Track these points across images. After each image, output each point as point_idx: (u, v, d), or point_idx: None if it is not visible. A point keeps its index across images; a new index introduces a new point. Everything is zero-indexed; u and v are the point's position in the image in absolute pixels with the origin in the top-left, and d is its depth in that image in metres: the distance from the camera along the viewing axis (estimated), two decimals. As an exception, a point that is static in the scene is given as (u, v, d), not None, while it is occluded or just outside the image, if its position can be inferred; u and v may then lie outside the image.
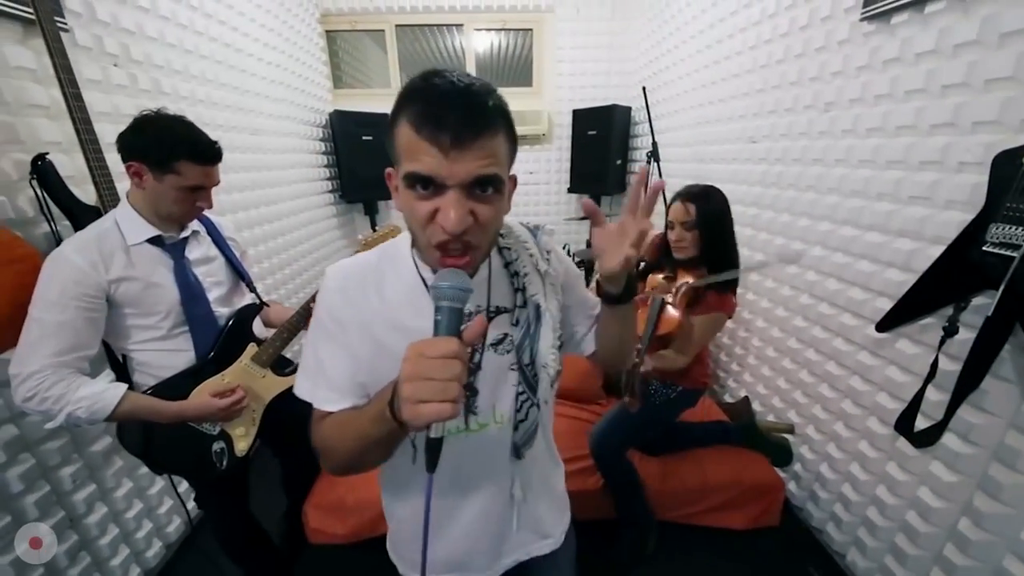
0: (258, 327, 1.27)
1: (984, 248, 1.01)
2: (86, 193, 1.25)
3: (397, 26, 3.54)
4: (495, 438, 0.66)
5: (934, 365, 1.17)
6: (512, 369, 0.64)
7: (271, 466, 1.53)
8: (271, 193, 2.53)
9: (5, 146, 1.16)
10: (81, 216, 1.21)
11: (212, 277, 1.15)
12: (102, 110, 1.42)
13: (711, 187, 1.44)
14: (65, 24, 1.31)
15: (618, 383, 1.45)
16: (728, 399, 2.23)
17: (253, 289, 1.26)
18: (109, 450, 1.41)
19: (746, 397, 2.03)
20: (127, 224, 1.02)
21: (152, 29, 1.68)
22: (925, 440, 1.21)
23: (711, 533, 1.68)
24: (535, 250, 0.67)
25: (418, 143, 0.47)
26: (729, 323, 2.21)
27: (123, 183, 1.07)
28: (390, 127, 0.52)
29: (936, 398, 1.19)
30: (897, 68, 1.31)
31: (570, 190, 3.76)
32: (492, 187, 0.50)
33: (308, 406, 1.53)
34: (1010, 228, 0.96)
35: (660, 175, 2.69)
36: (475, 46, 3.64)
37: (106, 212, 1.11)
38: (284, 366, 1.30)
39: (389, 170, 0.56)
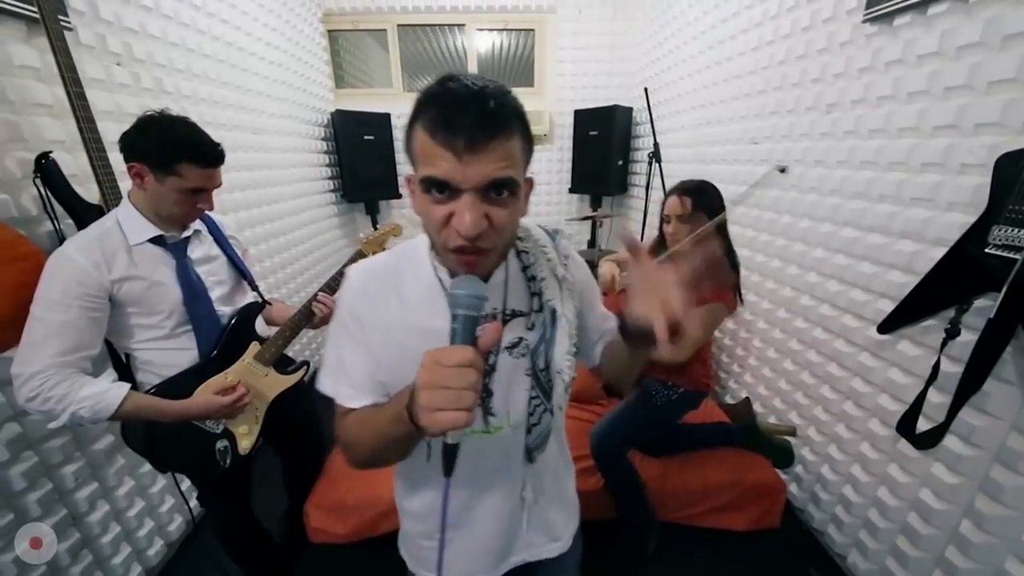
0: (260, 325, 1.27)
1: (986, 250, 1.01)
2: (89, 192, 1.25)
3: (399, 26, 3.55)
4: (508, 441, 0.67)
5: (936, 367, 1.17)
6: (527, 374, 0.64)
7: (272, 465, 1.53)
8: (273, 192, 2.54)
9: (9, 144, 1.16)
10: (84, 215, 1.22)
11: (214, 276, 1.15)
12: (105, 109, 1.42)
13: (705, 182, 1.48)
14: (69, 23, 1.31)
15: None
16: (729, 400, 2.23)
17: (255, 288, 1.26)
18: (111, 448, 1.41)
19: (747, 398, 2.04)
20: (129, 224, 1.02)
21: (155, 28, 1.68)
22: (927, 442, 1.21)
23: (712, 534, 1.68)
24: (553, 254, 0.67)
25: (433, 148, 0.48)
26: (730, 324, 2.22)
27: (126, 182, 1.07)
28: (407, 132, 0.53)
29: (938, 400, 1.19)
30: (899, 70, 1.31)
31: (571, 190, 3.76)
32: (507, 190, 0.50)
33: (310, 406, 1.53)
34: (1013, 230, 0.96)
35: (662, 176, 2.69)
36: (477, 46, 3.64)
37: (109, 211, 1.12)
38: (286, 364, 1.30)
39: (408, 174, 0.56)
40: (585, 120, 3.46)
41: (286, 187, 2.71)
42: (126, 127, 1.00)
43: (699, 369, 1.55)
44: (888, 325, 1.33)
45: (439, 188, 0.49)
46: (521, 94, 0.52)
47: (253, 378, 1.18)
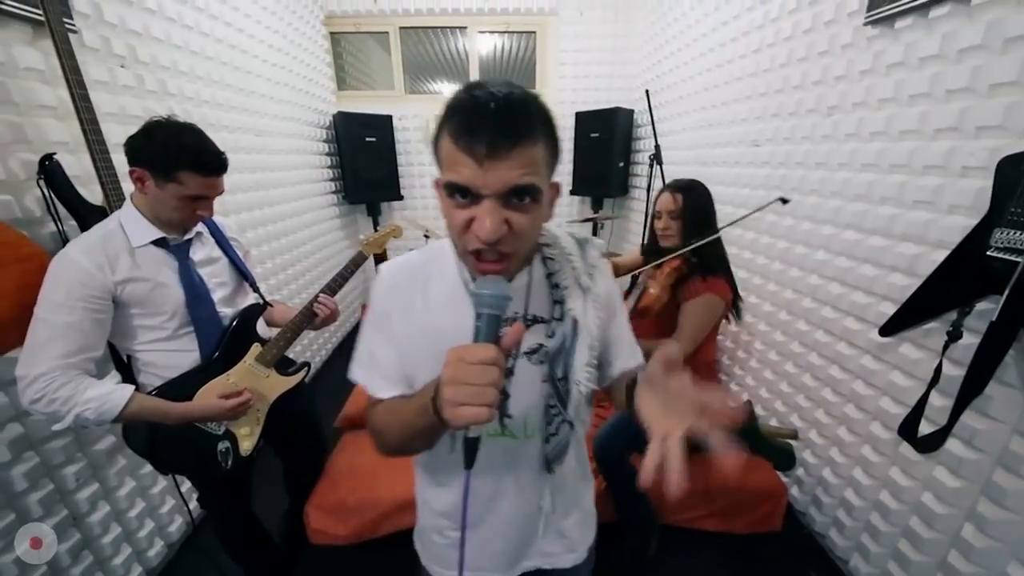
0: (261, 327, 1.27)
1: (988, 253, 1.01)
2: (92, 193, 1.26)
3: (401, 28, 3.56)
4: (526, 449, 0.67)
5: (938, 370, 1.17)
6: (544, 381, 0.64)
7: (273, 466, 1.53)
8: (275, 194, 2.55)
9: (13, 146, 1.17)
10: (87, 216, 1.22)
11: (216, 278, 1.16)
12: (109, 111, 1.43)
13: (696, 180, 1.55)
14: (73, 25, 1.32)
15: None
16: (730, 403, 2.22)
17: (256, 289, 1.27)
18: (112, 449, 1.42)
19: (749, 401, 2.03)
20: (131, 226, 1.02)
21: (159, 30, 1.69)
22: (929, 445, 1.20)
23: (713, 537, 1.67)
24: (579, 263, 0.66)
25: (456, 154, 0.49)
26: (731, 326, 2.21)
27: (129, 183, 1.07)
28: (435, 138, 0.54)
29: (940, 403, 1.19)
30: (901, 72, 1.31)
31: (572, 192, 3.77)
32: (529, 196, 0.51)
33: (311, 407, 1.52)
34: (1014, 233, 0.96)
35: (663, 179, 2.69)
36: (479, 48, 3.65)
37: (112, 212, 1.12)
38: (287, 366, 1.30)
39: (436, 177, 0.57)
40: (586, 122, 3.47)
41: (288, 188, 2.72)
42: (129, 129, 1.01)
43: (705, 373, 1.54)
44: (890, 328, 1.32)
45: (461, 193, 0.51)
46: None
47: (254, 379, 1.18)
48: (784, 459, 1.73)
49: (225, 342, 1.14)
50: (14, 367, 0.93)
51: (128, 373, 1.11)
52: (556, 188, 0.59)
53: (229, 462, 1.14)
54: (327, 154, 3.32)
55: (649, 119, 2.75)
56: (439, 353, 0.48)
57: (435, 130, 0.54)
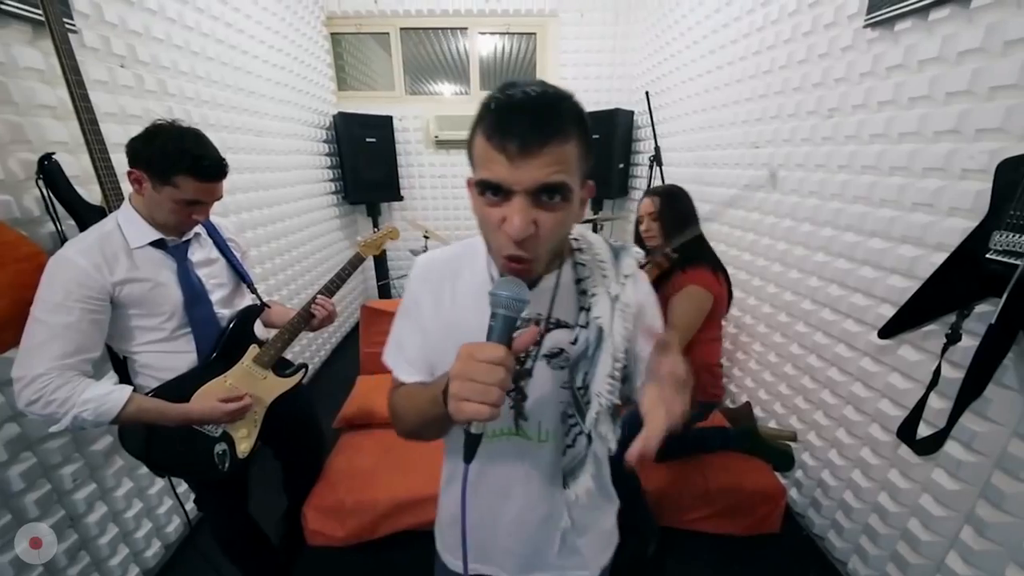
0: (259, 328, 1.27)
1: (987, 255, 1.01)
2: (91, 193, 1.26)
3: (401, 29, 3.57)
4: (541, 453, 0.67)
5: (937, 372, 1.17)
6: (564, 387, 0.63)
7: (271, 466, 1.53)
8: (275, 194, 2.55)
9: (12, 146, 1.16)
10: (86, 216, 1.22)
11: (214, 279, 1.16)
12: (108, 111, 1.43)
13: (674, 185, 1.63)
14: (73, 25, 1.32)
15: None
16: (730, 404, 2.23)
17: (254, 290, 1.26)
18: (110, 449, 1.41)
19: (748, 403, 2.03)
20: (129, 227, 1.02)
21: (159, 31, 1.69)
22: (927, 448, 1.20)
23: (712, 539, 1.67)
24: (610, 271, 0.64)
25: (488, 151, 0.50)
26: (731, 328, 2.21)
27: (128, 184, 1.07)
28: (469, 137, 0.55)
29: (939, 405, 1.19)
30: (901, 75, 1.31)
31: (572, 193, 3.77)
32: (559, 195, 0.51)
33: (309, 408, 1.52)
34: (1014, 236, 0.96)
35: (663, 180, 2.69)
36: (479, 49, 3.66)
37: (111, 212, 1.12)
38: (285, 367, 1.29)
39: (468, 177, 0.58)
40: (586, 123, 3.47)
41: (288, 189, 2.72)
42: (129, 129, 1.01)
43: (707, 379, 1.54)
44: (889, 330, 1.32)
45: (493, 191, 0.51)
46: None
47: (252, 381, 1.18)
48: (783, 460, 1.73)
49: (223, 343, 1.14)
50: (11, 368, 0.92)
51: (125, 374, 1.10)
52: (590, 188, 0.58)
53: (226, 464, 1.13)
54: (327, 154, 3.33)
55: (649, 120, 2.75)
56: (459, 346, 0.50)
57: (470, 130, 0.55)
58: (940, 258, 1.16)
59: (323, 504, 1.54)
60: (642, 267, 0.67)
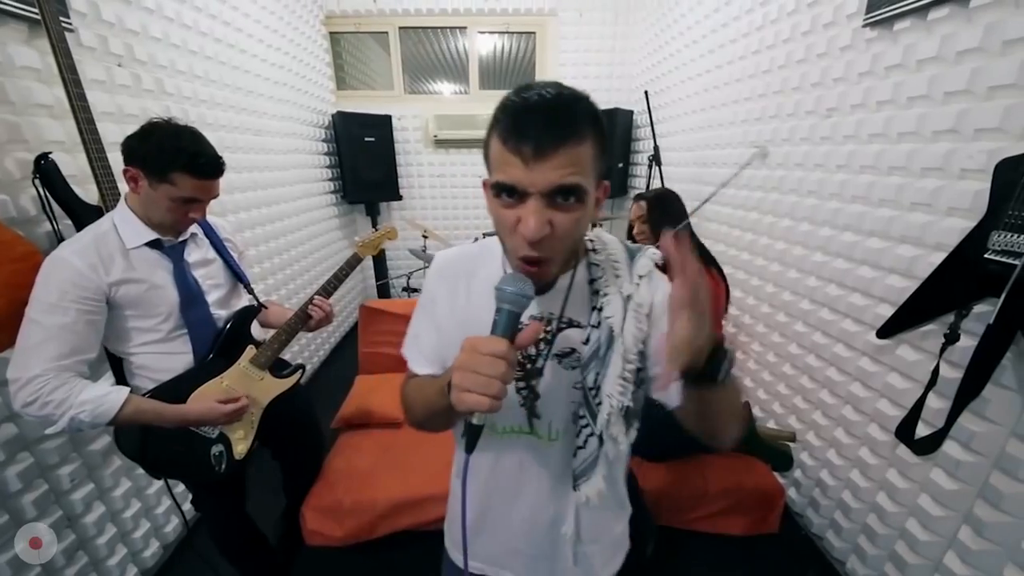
0: (256, 329, 1.27)
1: (986, 255, 1.01)
2: (88, 192, 1.25)
3: (400, 28, 3.56)
4: (551, 452, 0.67)
5: (935, 372, 1.16)
6: (575, 387, 0.63)
7: (269, 467, 1.53)
8: (273, 193, 2.54)
9: (8, 145, 1.16)
10: (83, 215, 1.22)
11: (211, 280, 1.15)
12: (105, 110, 1.42)
13: (663, 188, 1.74)
14: (70, 24, 1.32)
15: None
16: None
17: (251, 291, 1.26)
18: (108, 449, 1.41)
19: (746, 402, 2.03)
20: (125, 227, 1.01)
21: (157, 29, 1.69)
22: (926, 447, 1.20)
23: (711, 539, 1.67)
24: (624, 271, 0.64)
25: (504, 154, 0.50)
26: (729, 328, 2.21)
27: (125, 183, 1.07)
28: (485, 141, 0.56)
29: (937, 405, 1.19)
30: (899, 74, 1.31)
31: (571, 193, 3.77)
32: (574, 196, 0.51)
33: (308, 408, 1.51)
34: (1012, 236, 0.96)
35: (662, 179, 2.69)
36: (478, 49, 3.65)
37: (108, 211, 1.12)
38: (282, 368, 1.29)
39: (484, 179, 0.58)
40: (586, 123, 3.46)
41: (286, 188, 2.72)
42: (126, 128, 1.00)
43: None
44: (887, 330, 1.32)
45: (508, 193, 0.52)
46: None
47: (248, 382, 1.18)
48: (781, 460, 1.73)
49: (219, 345, 1.13)
50: (6, 368, 0.92)
51: (123, 374, 1.10)
52: (605, 188, 0.58)
53: (223, 466, 1.13)
54: (326, 154, 3.32)
55: (648, 120, 2.75)
56: (464, 339, 0.51)
57: (485, 134, 0.55)
58: (939, 258, 1.16)
59: (321, 504, 1.54)
60: (662, 268, 0.65)
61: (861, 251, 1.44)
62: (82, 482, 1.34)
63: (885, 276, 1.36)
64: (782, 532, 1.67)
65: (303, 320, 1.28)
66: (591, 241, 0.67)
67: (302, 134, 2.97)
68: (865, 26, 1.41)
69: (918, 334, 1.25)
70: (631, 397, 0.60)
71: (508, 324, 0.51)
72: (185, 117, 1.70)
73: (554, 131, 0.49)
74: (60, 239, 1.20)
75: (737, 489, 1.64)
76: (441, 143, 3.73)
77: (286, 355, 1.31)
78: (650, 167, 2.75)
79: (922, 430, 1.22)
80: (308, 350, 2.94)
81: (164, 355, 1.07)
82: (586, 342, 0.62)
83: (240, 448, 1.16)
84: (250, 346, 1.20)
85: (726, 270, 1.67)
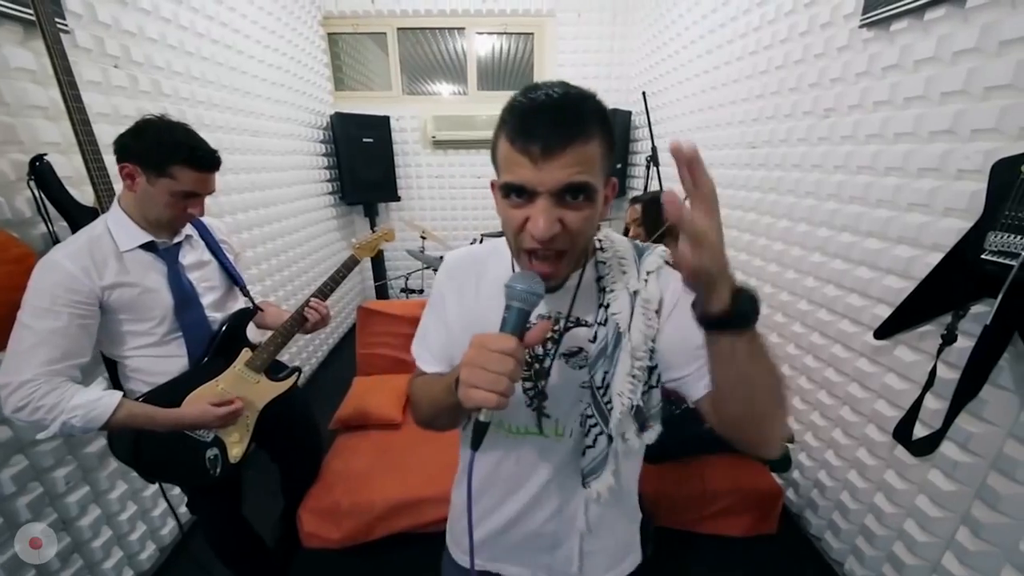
0: (252, 331, 1.26)
1: (983, 256, 1.01)
2: (84, 194, 1.25)
3: (399, 29, 3.56)
4: (559, 452, 0.66)
5: (932, 373, 1.16)
6: (583, 386, 0.62)
7: (267, 469, 1.52)
8: (271, 194, 2.54)
9: (3, 147, 1.16)
10: (79, 217, 1.21)
11: (206, 282, 1.14)
12: (102, 111, 1.42)
13: (657, 191, 1.76)
14: (66, 25, 1.31)
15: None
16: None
17: (247, 293, 1.26)
18: (103, 452, 1.40)
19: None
20: (119, 230, 1.01)
21: (153, 31, 1.69)
22: (923, 449, 1.20)
23: (709, 540, 1.67)
24: (631, 268, 0.63)
25: (512, 155, 0.51)
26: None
27: (121, 184, 1.06)
28: (493, 143, 0.56)
29: (935, 406, 1.19)
30: (896, 75, 1.31)
31: (570, 194, 3.77)
32: (583, 194, 0.51)
33: (306, 410, 1.50)
34: (1009, 236, 0.96)
35: (659, 180, 2.69)
36: (477, 49, 3.65)
37: (104, 213, 1.11)
38: (278, 371, 1.28)
39: (492, 179, 0.58)
40: (584, 123, 3.47)
41: (284, 189, 2.72)
42: (123, 130, 1.00)
43: None
44: (885, 330, 1.32)
45: (517, 193, 0.52)
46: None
47: (244, 385, 1.17)
48: (780, 462, 1.72)
49: (214, 347, 1.13)
50: (-1, 370, 0.91)
51: (117, 378, 1.09)
52: (613, 185, 0.58)
53: (218, 469, 1.12)
54: (324, 155, 3.32)
55: (646, 121, 2.75)
56: (473, 336, 0.51)
57: (493, 135, 0.56)
58: (936, 258, 1.15)
59: (319, 506, 1.54)
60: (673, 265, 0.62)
61: (859, 252, 1.44)
62: (77, 485, 1.33)
63: (883, 277, 1.36)
64: (780, 533, 1.67)
65: (299, 322, 1.28)
66: (599, 240, 0.67)
67: (300, 135, 2.96)
68: (862, 26, 1.41)
69: (916, 335, 1.25)
70: (643, 397, 0.60)
71: (517, 322, 0.51)
72: (182, 118, 1.66)
73: (562, 130, 0.49)
74: (55, 241, 1.20)
75: (735, 490, 1.63)
76: (439, 144, 3.73)
77: (284, 356, 1.30)
78: (648, 168, 2.75)
79: (920, 431, 1.22)
80: (306, 351, 2.93)
81: (158, 358, 1.06)
82: (593, 340, 0.61)
83: (235, 451, 1.15)
84: (245, 349, 1.19)
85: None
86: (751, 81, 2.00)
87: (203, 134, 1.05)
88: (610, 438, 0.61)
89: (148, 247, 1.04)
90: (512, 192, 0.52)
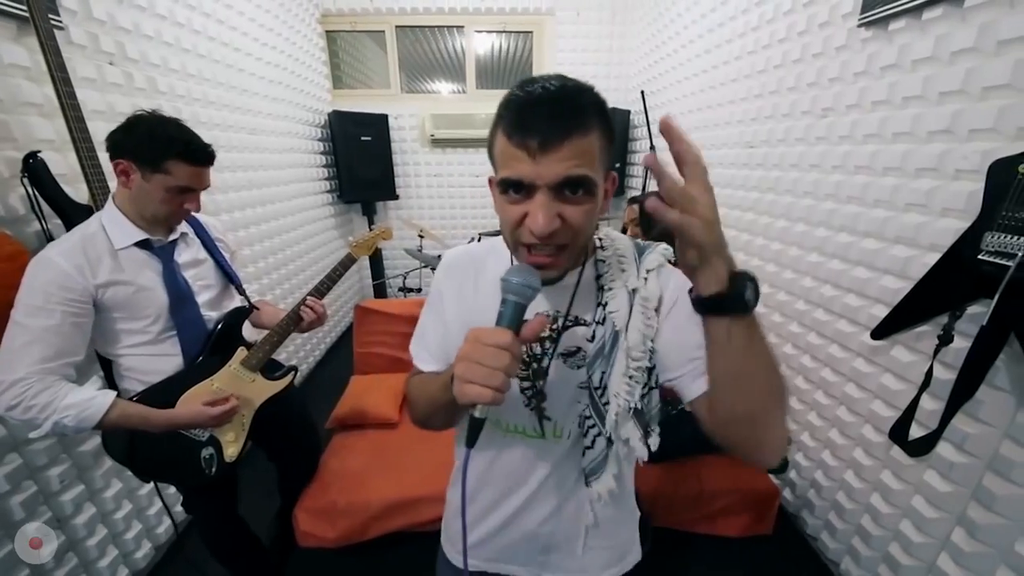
0: (248, 330, 1.26)
1: (979, 256, 1.00)
2: (78, 191, 1.24)
3: (397, 27, 3.55)
4: (556, 451, 0.66)
5: (929, 373, 1.16)
6: (581, 387, 0.62)
7: (264, 468, 1.52)
8: (268, 192, 2.53)
9: (-3, 144, 1.15)
10: (73, 215, 1.21)
11: (202, 280, 1.14)
12: (96, 108, 1.41)
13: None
14: (60, 22, 1.31)
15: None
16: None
17: (242, 292, 1.25)
18: (98, 450, 1.40)
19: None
20: (113, 227, 1.00)
21: (149, 27, 1.68)
22: (919, 449, 1.20)
23: (705, 540, 1.67)
24: (630, 267, 0.62)
25: (510, 149, 0.50)
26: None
27: (116, 182, 1.06)
28: (489, 138, 0.55)
29: (931, 407, 1.19)
30: (894, 74, 1.31)
31: (569, 193, 3.76)
32: (582, 188, 0.50)
33: (304, 409, 1.49)
34: (1005, 237, 0.96)
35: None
36: (475, 48, 3.64)
37: (99, 211, 1.10)
38: (274, 370, 1.28)
39: (490, 176, 0.57)
40: (583, 122, 3.46)
41: (281, 187, 2.71)
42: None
43: None
44: (882, 331, 1.32)
45: (515, 188, 0.51)
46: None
47: (239, 384, 1.16)
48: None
49: (209, 346, 1.12)
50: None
51: (112, 377, 1.09)
52: (613, 179, 0.57)
53: (213, 469, 1.11)
54: (322, 153, 3.31)
55: (644, 120, 2.74)
56: (468, 330, 0.50)
57: (490, 131, 0.54)
58: (933, 259, 1.15)
59: (315, 505, 1.53)
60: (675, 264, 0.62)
61: (856, 252, 1.44)
62: (72, 483, 1.33)
63: (880, 277, 1.36)
64: (777, 533, 1.67)
65: (295, 321, 1.27)
66: (599, 239, 0.66)
67: (298, 133, 2.95)
68: (860, 26, 1.40)
69: (912, 335, 1.25)
70: (642, 399, 0.59)
71: (513, 315, 0.50)
72: (178, 116, 1.68)
73: (560, 123, 0.48)
74: (49, 238, 1.19)
75: (732, 490, 1.63)
76: (438, 142, 3.72)
77: (281, 355, 1.30)
78: (646, 168, 2.75)
79: (916, 431, 1.21)
80: (304, 350, 2.93)
81: (153, 357, 1.06)
82: (591, 339, 0.60)
83: (231, 451, 1.15)
84: (241, 348, 1.19)
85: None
86: (749, 80, 1.99)
87: (200, 132, 1.04)
88: (609, 440, 0.60)
89: (143, 245, 1.03)
90: (510, 187, 0.51)
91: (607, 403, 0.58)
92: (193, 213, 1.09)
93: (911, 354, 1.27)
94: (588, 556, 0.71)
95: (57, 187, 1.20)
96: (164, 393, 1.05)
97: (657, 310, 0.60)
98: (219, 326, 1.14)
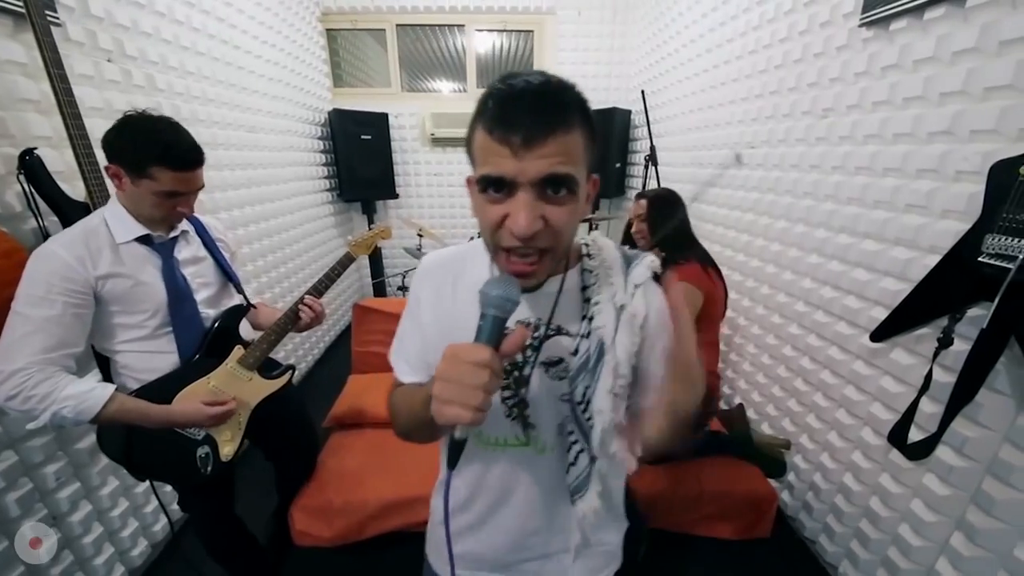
0: (245, 329, 1.25)
1: (980, 258, 1.00)
2: (75, 189, 1.24)
3: (398, 25, 3.54)
4: (545, 468, 0.64)
5: (928, 376, 1.15)
6: (563, 399, 0.60)
7: (262, 466, 1.51)
8: (267, 191, 2.53)
9: (-7, 141, 1.15)
10: (70, 212, 1.21)
11: (201, 278, 1.14)
12: (94, 105, 1.41)
13: (665, 188, 1.71)
14: (57, 18, 1.30)
15: None
16: (723, 406, 2.21)
17: (241, 291, 1.25)
18: (94, 448, 1.39)
19: (741, 404, 2.02)
20: (116, 222, 1.00)
21: (147, 24, 1.67)
22: (918, 452, 1.19)
23: (703, 542, 1.66)
24: (618, 279, 0.59)
25: (490, 145, 0.48)
26: (724, 329, 2.20)
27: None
28: (469, 133, 0.53)
29: (930, 410, 1.18)
30: (895, 75, 1.30)
31: (569, 192, 3.75)
32: (565, 187, 0.49)
33: (301, 408, 1.48)
34: (1006, 239, 0.95)
35: (658, 179, 2.68)
36: (476, 47, 3.63)
37: (95, 208, 1.10)
38: (272, 369, 1.27)
39: (468, 175, 0.56)
40: (583, 122, 3.45)
41: (281, 186, 2.70)
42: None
43: (710, 381, 1.53)
44: (881, 333, 1.31)
45: (496, 186, 0.49)
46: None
47: (236, 383, 1.16)
48: (775, 468, 1.72)
49: (207, 344, 1.12)
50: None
51: (109, 375, 1.09)
52: (595, 182, 0.56)
53: (209, 468, 1.11)
54: (322, 151, 3.31)
55: (645, 120, 2.73)
56: (446, 346, 0.48)
57: (468, 126, 0.52)
58: (933, 260, 1.14)
59: (311, 504, 1.53)
60: (657, 276, 0.61)
61: (856, 253, 1.43)
62: (68, 481, 1.33)
63: (880, 279, 1.35)
64: (775, 536, 1.66)
65: (293, 320, 1.27)
66: (586, 246, 0.64)
67: (297, 131, 2.95)
68: (861, 26, 1.40)
69: (912, 338, 1.24)
70: (625, 415, 0.57)
71: (493, 330, 0.47)
72: (176, 114, 1.69)
73: (544, 118, 0.46)
74: (45, 236, 1.19)
75: (731, 493, 1.63)
76: (438, 141, 3.72)
77: (279, 354, 1.29)
78: (646, 167, 2.74)
79: (915, 435, 1.21)
80: (302, 348, 2.93)
81: (148, 354, 1.05)
82: (575, 353, 0.58)
83: (227, 450, 1.14)
84: (238, 346, 1.18)
85: (722, 271, 1.66)
86: (750, 80, 1.98)
87: (198, 130, 1.04)
88: (592, 458, 0.58)
89: (144, 240, 1.03)
90: (490, 186, 0.49)
91: (590, 419, 0.56)
92: (193, 214, 1.09)
93: (911, 357, 1.26)
94: (575, 566, 0.71)
95: (54, 184, 1.20)
96: (161, 390, 1.04)
97: (641, 327, 0.58)
98: (216, 324, 1.14)
